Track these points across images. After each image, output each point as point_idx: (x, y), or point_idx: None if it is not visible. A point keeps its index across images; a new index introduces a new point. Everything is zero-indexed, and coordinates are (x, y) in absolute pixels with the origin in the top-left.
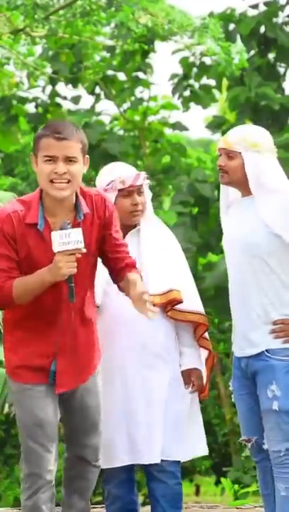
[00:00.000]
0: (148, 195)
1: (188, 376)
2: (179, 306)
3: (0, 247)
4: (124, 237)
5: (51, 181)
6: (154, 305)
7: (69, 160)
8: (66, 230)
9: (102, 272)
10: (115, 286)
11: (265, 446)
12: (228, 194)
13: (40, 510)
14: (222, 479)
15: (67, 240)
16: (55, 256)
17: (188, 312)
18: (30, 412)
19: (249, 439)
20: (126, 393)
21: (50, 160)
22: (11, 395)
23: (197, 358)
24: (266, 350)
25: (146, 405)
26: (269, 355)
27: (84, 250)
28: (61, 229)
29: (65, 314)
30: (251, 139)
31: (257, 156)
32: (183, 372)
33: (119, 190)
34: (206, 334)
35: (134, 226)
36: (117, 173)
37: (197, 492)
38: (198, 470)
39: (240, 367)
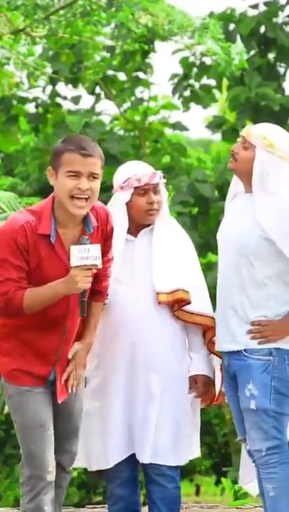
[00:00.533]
0: (164, 194)
1: (194, 382)
2: (186, 307)
3: (12, 257)
4: (136, 235)
5: (72, 197)
6: (159, 303)
7: (92, 176)
8: (85, 245)
9: (112, 271)
10: (124, 284)
11: (248, 447)
12: (238, 185)
13: (43, 510)
14: (222, 479)
15: (86, 255)
16: (72, 270)
17: (196, 314)
18: (32, 414)
19: (244, 439)
20: (128, 393)
21: (74, 175)
22: (7, 399)
23: (205, 364)
24: (244, 350)
25: (145, 406)
26: (247, 354)
27: (100, 266)
28: (80, 244)
29: (69, 324)
30: (271, 139)
31: (269, 156)
32: (189, 378)
33: (135, 188)
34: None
35: (148, 225)
36: (133, 171)
37: (197, 492)
38: (198, 470)
39: (225, 367)
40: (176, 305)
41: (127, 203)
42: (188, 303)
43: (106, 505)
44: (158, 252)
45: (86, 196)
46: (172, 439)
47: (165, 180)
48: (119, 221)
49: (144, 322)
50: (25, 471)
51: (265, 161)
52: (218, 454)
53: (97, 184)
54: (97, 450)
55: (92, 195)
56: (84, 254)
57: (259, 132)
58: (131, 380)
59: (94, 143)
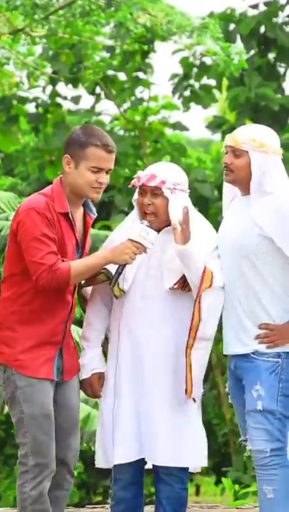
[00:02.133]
0: (175, 201)
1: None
2: None
3: (49, 231)
4: (158, 232)
5: (92, 187)
6: (170, 288)
7: (110, 170)
8: (148, 227)
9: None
10: (137, 281)
11: (249, 447)
12: (232, 189)
13: (46, 497)
14: (222, 479)
15: (145, 235)
16: (126, 241)
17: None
18: (40, 404)
19: (247, 439)
20: (143, 390)
21: (97, 171)
22: (14, 389)
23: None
24: (252, 352)
25: (160, 405)
26: (255, 356)
27: (147, 253)
28: (145, 225)
29: (74, 300)
30: (259, 139)
31: (264, 156)
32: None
33: (139, 188)
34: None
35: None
36: (142, 171)
37: (197, 492)
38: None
39: (230, 368)
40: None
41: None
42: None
43: (106, 506)
44: (172, 254)
45: (103, 187)
46: (183, 441)
47: (173, 187)
48: (133, 216)
49: (155, 322)
50: (30, 459)
51: (261, 161)
52: (218, 454)
53: (109, 176)
54: (107, 447)
55: (106, 185)
56: (143, 234)
57: (246, 136)
58: (140, 379)
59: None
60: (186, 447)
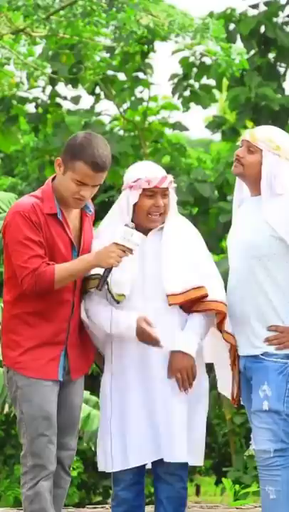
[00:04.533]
0: (173, 198)
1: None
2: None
3: (33, 234)
4: (146, 234)
5: (73, 197)
6: (170, 305)
7: (96, 186)
8: (132, 229)
9: (128, 266)
10: (135, 284)
11: (252, 447)
12: (242, 190)
13: (43, 496)
14: (223, 479)
15: (129, 237)
16: (110, 245)
17: (209, 301)
18: (39, 405)
19: None
20: (147, 393)
21: (80, 185)
22: (15, 389)
23: (188, 343)
24: (261, 354)
25: (165, 405)
26: (264, 357)
27: (133, 254)
28: (128, 226)
29: (76, 299)
30: (277, 141)
31: (276, 158)
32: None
33: (144, 190)
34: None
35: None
36: (144, 172)
37: (197, 492)
38: (198, 470)
39: (241, 369)
40: (191, 303)
41: (134, 203)
42: (205, 296)
43: (106, 505)
44: (167, 253)
45: (85, 200)
46: (186, 438)
47: (175, 185)
48: (122, 219)
49: (157, 322)
50: (29, 460)
51: (273, 163)
52: (218, 454)
53: (95, 190)
54: (117, 450)
55: (89, 197)
56: (127, 237)
57: (264, 135)
58: (147, 380)
59: (108, 151)
60: (200, 443)
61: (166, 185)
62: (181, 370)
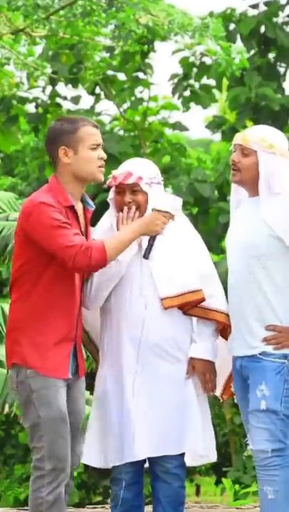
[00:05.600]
0: (154, 195)
1: (192, 366)
2: (201, 304)
3: (64, 218)
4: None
5: (98, 166)
6: (165, 308)
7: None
8: (171, 195)
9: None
10: (132, 287)
11: (250, 446)
12: (239, 191)
13: (62, 502)
14: (223, 479)
15: (169, 202)
16: (154, 213)
17: (211, 310)
18: (59, 407)
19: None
20: (137, 390)
21: (96, 148)
22: (29, 392)
23: (207, 350)
24: (259, 353)
25: (160, 401)
26: (261, 357)
27: (174, 219)
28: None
29: (80, 298)
30: (269, 140)
31: (272, 157)
32: (189, 360)
33: (115, 187)
34: None
35: None
36: (116, 170)
37: (197, 492)
38: (198, 470)
39: (236, 368)
40: (188, 305)
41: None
42: (202, 301)
43: (106, 506)
44: (163, 254)
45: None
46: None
47: (152, 181)
48: (109, 218)
49: (157, 324)
50: (47, 464)
51: (269, 162)
52: (218, 454)
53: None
54: (115, 446)
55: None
56: (167, 202)
57: (256, 136)
58: (135, 379)
59: None
60: (210, 436)
61: (132, 181)
62: (205, 374)
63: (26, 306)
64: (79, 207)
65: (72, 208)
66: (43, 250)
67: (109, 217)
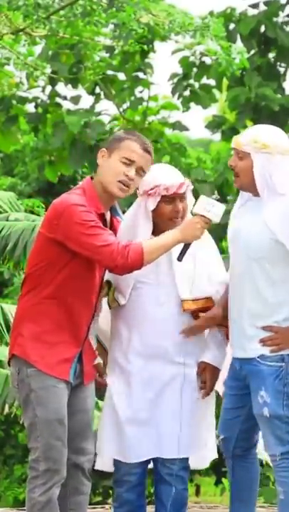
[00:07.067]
0: (190, 201)
1: (202, 369)
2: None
3: (97, 220)
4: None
5: (118, 180)
6: (183, 310)
7: (141, 171)
8: (213, 200)
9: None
10: (149, 287)
11: (258, 449)
12: (244, 197)
13: (54, 504)
14: (223, 479)
15: (210, 208)
16: (193, 218)
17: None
18: (56, 409)
19: (218, 436)
20: (144, 392)
21: (127, 163)
22: (29, 392)
23: (219, 358)
24: (257, 357)
25: (166, 403)
26: (259, 360)
27: (215, 222)
28: (209, 197)
29: (95, 299)
30: (262, 139)
31: (267, 157)
32: (200, 363)
33: (162, 196)
34: None
35: None
36: (161, 180)
37: (197, 492)
38: (198, 470)
39: (234, 367)
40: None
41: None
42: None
43: (106, 506)
44: (186, 257)
45: (128, 184)
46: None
47: (192, 187)
48: (144, 226)
49: (170, 326)
50: (41, 465)
51: (265, 163)
52: (218, 454)
53: (140, 180)
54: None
55: (134, 187)
56: (208, 207)
57: (248, 138)
58: (156, 383)
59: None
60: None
61: (184, 190)
62: (211, 379)
63: (35, 301)
64: (107, 215)
65: (102, 216)
66: (66, 252)
67: (136, 219)
